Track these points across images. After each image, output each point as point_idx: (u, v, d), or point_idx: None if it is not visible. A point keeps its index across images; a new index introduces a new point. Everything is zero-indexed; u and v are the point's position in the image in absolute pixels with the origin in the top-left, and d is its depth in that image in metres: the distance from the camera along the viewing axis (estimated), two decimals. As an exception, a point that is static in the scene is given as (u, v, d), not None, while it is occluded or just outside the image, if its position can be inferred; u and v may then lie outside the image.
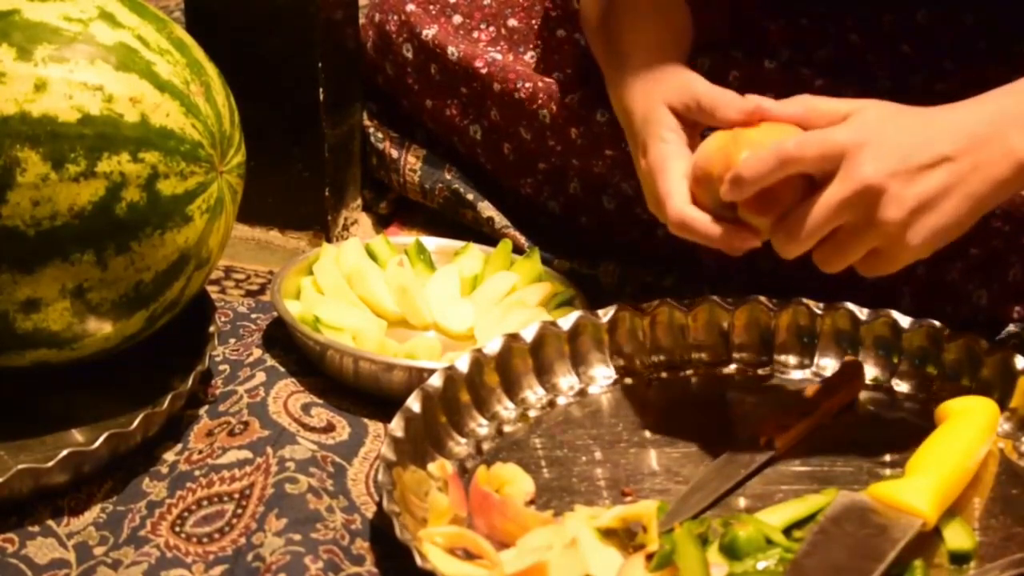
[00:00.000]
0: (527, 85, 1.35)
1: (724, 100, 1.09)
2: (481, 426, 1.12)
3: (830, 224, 1.01)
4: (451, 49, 1.39)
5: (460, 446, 1.10)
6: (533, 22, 1.41)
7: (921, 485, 0.99)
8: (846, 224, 1.02)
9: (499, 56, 1.38)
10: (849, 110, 1.04)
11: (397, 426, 1.05)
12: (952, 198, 1.01)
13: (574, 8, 1.39)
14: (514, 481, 1.04)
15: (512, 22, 1.41)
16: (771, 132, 1.05)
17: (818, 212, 1.01)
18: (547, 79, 1.35)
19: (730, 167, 1.04)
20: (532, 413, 1.14)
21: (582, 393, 1.17)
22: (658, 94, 1.13)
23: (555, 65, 1.37)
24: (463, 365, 1.12)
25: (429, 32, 1.41)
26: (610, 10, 1.24)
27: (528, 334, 1.16)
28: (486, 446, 1.10)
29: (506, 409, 1.14)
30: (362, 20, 1.46)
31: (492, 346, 1.14)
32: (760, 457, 1.07)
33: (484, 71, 1.37)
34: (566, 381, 1.17)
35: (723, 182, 1.04)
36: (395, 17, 1.43)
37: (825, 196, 1.01)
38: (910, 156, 1.01)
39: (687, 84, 1.12)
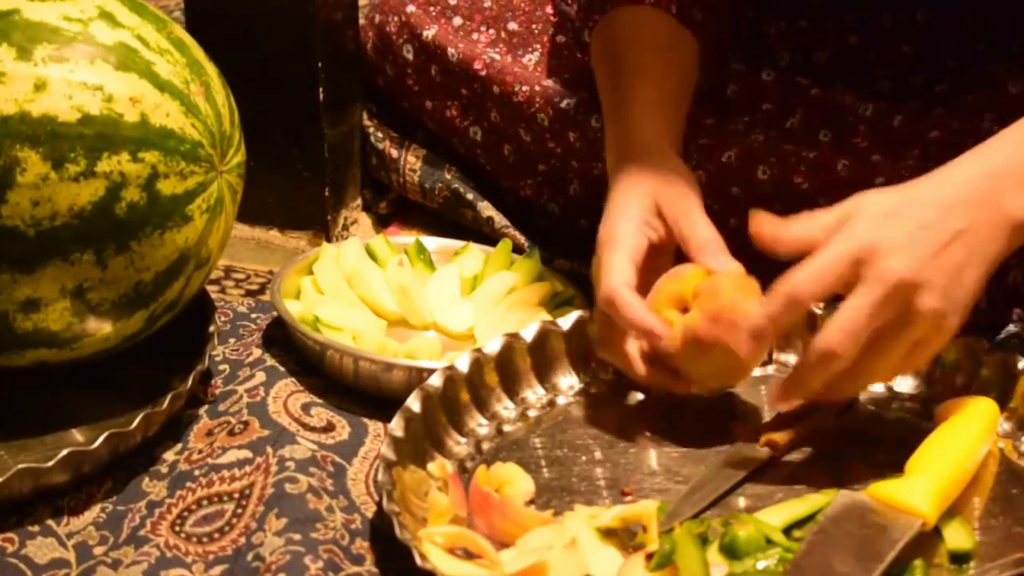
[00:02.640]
0: (524, 88, 1.35)
1: (698, 242, 1.09)
2: (481, 426, 1.12)
3: (869, 329, 0.99)
4: (451, 50, 1.39)
5: (460, 446, 1.10)
6: (533, 26, 1.41)
7: (921, 485, 0.99)
8: (883, 327, 1.00)
9: (498, 57, 1.38)
10: (837, 218, 1.02)
11: (397, 426, 1.05)
12: (971, 268, 1.00)
13: (567, 22, 1.39)
14: (514, 481, 1.04)
15: (512, 25, 1.41)
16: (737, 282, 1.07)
17: (856, 321, 0.98)
18: (545, 82, 1.35)
19: (705, 298, 1.06)
20: (532, 413, 1.14)
21: (582, 393, 1.17)
22: (647, 185, 1.12)
23: (553, 69, 1.37)
24: (463, 365, 1.12)
25: (429, 33, 1.41)
26: (616, 46, 1.24)
27: (528, 333, 1.16)
28: (486, 446, 1.10)
29: (506, 409, 1.14)
30: (362, 21, 1.46)
31: (492, 346, 1.14)
32: (761, 457, 1.07)
33: (483, 73, 1.37)
34: (566, 381, 1.17)
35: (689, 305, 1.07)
36: (395, 18, 1.43)
37: (855, 305, 0.98)
38: (926, 241, 0.99)
39: (680, 199, 1.11)
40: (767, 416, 1.13)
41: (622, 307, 1.07)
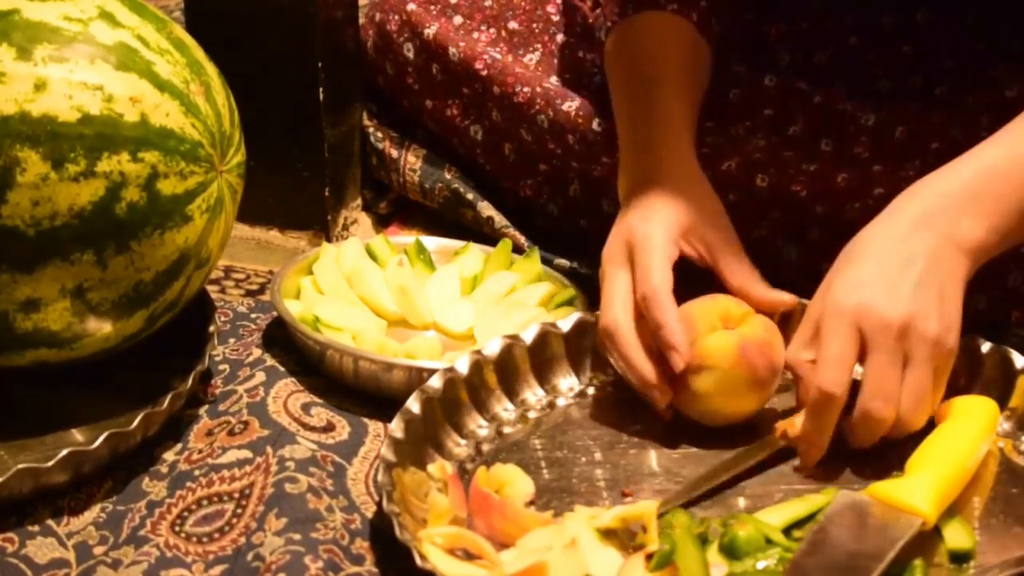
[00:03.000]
0: (526, 90, 1.35)
1: (742, 277, 1.12)
2: (481, 427, 1.12)
3: (897, 381, 1.03)
4: (452, 49, 1.39)
5: (460, 447, 1.10)
6: (534, 25, 1.41)
7: (921, 484, 0.99)
8: (905, 372, 1.03)
9: (499, 56, 1.38)
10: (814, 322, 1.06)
11: (397, 427, 1.05)
12: (950, 283, 1.04)
13: (576, 16, 1.39)
14: (514, 482, 1.04)
15: (513, 24, 1.41)
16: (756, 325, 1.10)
17: (884, 379, 1.02)
18: (545, 84, 1.35)
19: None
20: (532, 414, 1.14)
21: (582, 394, 1.16)
22: (680, 208, 1.13)
23: (554, 70, 1.37)
24: (463, 367, 1.12)
25: (430, 31, 1.41)
26: (640, 54, 1.24)
27: (528, 335, 1.16)
28: (486, 447, 1.10)
29: (506, 410, 1.14)
30: (362, 20, 1.46)
31: (492, 347, 1.14)
32: (772, 447, 1.07)
33: (484, 73, 1.37)
34: (566, 382, 1.17)
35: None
36: (396, 17, 1.43)
37: (876, 364, 1.02)
38: (900, 279, 1.03)
39: (717, 231, 1.14)
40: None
41: (663, 310, 1.08)
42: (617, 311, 1.10)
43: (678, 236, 1.12)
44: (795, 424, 1.06)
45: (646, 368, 1.09)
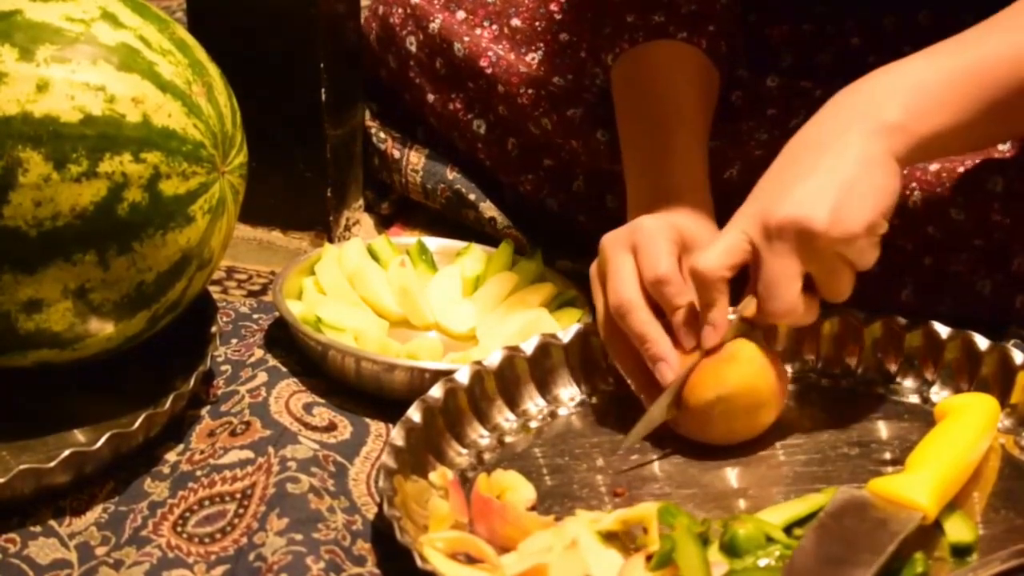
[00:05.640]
0: (530, 91, 1.35)
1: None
2: (482, 437, 1.12)
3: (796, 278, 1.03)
4: (457, 44, 1.39)
5: (461, 456, 1.09)
6: (537, 23, 1.41)
7: (921, 479, 0.99)
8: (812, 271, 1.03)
9: (502, 54, 1.38)
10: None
11: (398, 436, 1.04)
12: (859, 176, 1.02)
13: (579, 14, 1.39)
14: (515, 488, 1.04)
15: (515, 22, 1.41)
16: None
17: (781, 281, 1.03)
18: (550, 87, 1.34)
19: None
20: (533, 424, 1.14)
21: (583, 404, 1.16)
22: (675, 221, 1.13)
23: (557, 69, 1.36)
24: (463, 377, 1.12)
25: (435, 25, 1.41)
26: (651, 87, 1.24)
27: (529, 346, 1.15)
28: (487, 456, 1.10)
29: (507, 420, 1.14)
30: (365, 13, 1.46)
31: (493, 358, 1.14)
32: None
33: (489, 71, 1.37)
34: (567, 392, 1.17)
35: None
36: (399, 10, 1.43)
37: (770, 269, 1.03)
38: (794, 182, 1.03)
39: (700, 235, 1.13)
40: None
41: (676, 291, 1.07)
42: (628, 289, 1.09)
43: (676, 242, 1.11)
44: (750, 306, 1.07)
45: (663, 341, 1.07)
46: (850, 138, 1.03)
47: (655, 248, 1.09)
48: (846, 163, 1.01)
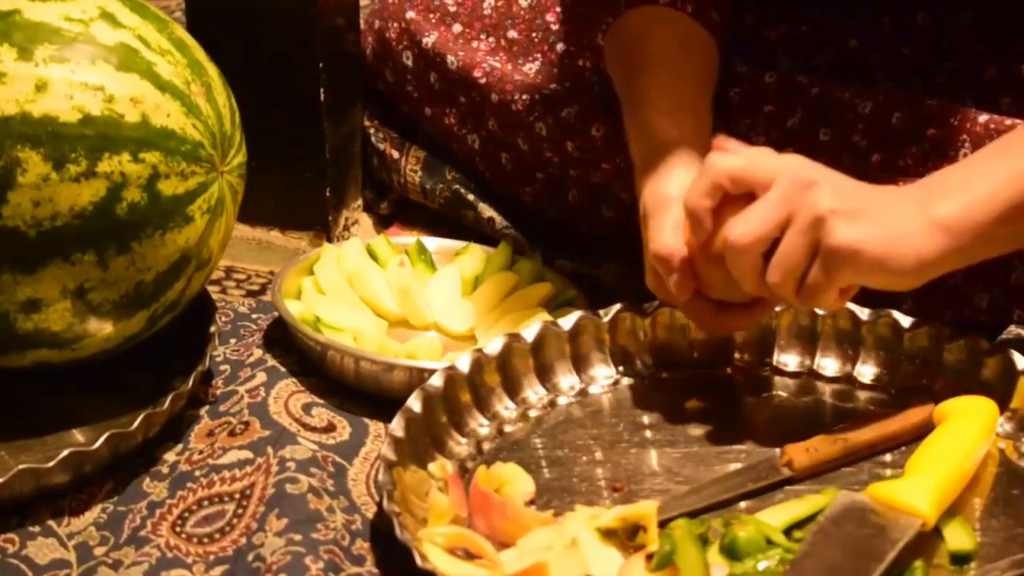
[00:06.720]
0: (524, 97, 1.35)
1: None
2: (482, 426, 1.12)
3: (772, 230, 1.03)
4: (451, 58, 1.39)
5: (460, 446, 1.10)
6: (533, 35, 1.40)
7: (920, 485, 0.99)
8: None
9: (498, 65, 1.38)
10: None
11: (398, 426, 1.05)
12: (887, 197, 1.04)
13: (576, 24, 1.39)
14: (514, 481, 1.04)
15: (512, 34, 1.41)
16: None
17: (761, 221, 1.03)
18: (544, 91, 1.34)
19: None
20: (533, 413, 1.14)
21: (583, 393, 1.17)
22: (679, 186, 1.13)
23: (553, 78, 1.36)
24: (464, 365, 1.12)
25: (429, 40, 1.41)
26: (629, 46, 1.24)
27: (529, 334, 1.16)
28: (487, 446, 1.10)
29: (507, 409, 1.14)
30: (362, 26, 1.46)
31: (493, 346, 1.14)
32: (775, 477, 1.05)
33: (482, 81, 1.37)
34: (567, 381, 1.17)
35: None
36: (395, 24, 1.43)
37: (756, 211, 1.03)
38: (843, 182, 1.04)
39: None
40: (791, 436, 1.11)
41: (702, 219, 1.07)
42: (667, 237, 1.09)
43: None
44: (797, 456, 1.06)
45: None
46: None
47: (656, 223, 1.09)
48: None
